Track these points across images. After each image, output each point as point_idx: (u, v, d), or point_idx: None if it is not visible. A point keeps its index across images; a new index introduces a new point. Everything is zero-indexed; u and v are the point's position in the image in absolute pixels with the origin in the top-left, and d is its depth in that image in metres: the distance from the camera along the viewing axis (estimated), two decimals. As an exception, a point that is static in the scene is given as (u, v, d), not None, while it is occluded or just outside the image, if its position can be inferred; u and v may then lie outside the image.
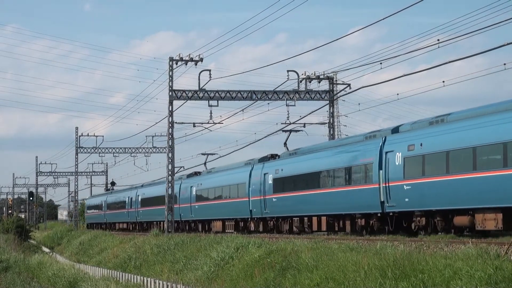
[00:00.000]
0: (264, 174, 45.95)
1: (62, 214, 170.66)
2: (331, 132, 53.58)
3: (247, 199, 47.78)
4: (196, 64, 51.05)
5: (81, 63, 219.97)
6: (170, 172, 52.56)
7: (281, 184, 44.13)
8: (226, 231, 51.17)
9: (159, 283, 27.84)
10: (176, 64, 51.68)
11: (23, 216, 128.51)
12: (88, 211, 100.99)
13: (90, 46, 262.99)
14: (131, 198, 75.81)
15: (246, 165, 50.06)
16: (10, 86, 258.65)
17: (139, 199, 73.02)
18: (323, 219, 39.46)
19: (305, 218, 41.42)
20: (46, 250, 72.67)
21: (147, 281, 29.60)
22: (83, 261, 52.07)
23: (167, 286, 26.87)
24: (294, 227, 43.17)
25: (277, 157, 47.49)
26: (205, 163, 60.50)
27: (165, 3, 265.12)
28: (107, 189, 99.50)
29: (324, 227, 39.84)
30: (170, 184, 52.64)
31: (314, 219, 40.47)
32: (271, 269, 23.51)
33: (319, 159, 40.11)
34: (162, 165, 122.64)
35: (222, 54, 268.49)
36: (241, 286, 24.00)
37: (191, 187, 57.50)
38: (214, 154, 61.68)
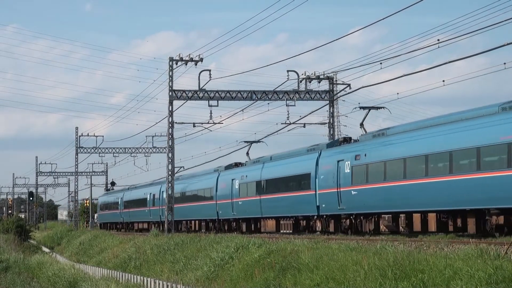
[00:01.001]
0: (338, 161, 38.09)
1: (62, 214, 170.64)
2: (331, 132, 53.57)
3: (313, 192, 40.22)
4: (196, 64, 51.09)
5: (81, 63, 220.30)
6: (170, 172, 52.56)
7: (364, 173, 35.91)
8: (281, 231, 44.97)
9: (159, 283, 27.85)
10: (176, 64, 51.70)
11: (23, 216, 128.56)
12: (101, 210, 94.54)
13: (91, 46, 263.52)
14: (154, 195, 68.47)
15: (309, 152, 42.60)
16: (11, 86, 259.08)
17: (164, 196, 64.30)
18: (431, 216, 32.00)
19: (402, 215, 33.53)
20: (46, 250, 72.70)
21: (147, 281, 29.61)
22: (83, 261, 52.09)
23: (167, 286, 26.87)
24: (382, 227, 35.75)
25: (351, 141, 39.87)
26: (247, 153, 54.22)
27: (166, 3, 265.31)
28: (107, 189, 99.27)
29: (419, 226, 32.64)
30: (170, 184, 52.65)
31: (416, 216, 32.75)
32: (271, 269, 23.51)
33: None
34: (162, 165, 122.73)
35: (222, 54, 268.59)
36: (241, 286, 24.00)
37: (232, 180, 50.76)
38: (260, 141, 55.27)
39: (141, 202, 73.17)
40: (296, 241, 28.79)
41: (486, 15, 31.98)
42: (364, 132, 39.19)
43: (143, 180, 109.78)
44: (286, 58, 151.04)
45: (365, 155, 35.78)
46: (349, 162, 36.80)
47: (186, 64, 51.42)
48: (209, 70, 49.80)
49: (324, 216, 39.87)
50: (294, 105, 50.76)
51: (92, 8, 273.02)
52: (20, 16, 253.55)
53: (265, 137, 55.34)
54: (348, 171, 36.79)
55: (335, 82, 53.33)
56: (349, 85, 50.10)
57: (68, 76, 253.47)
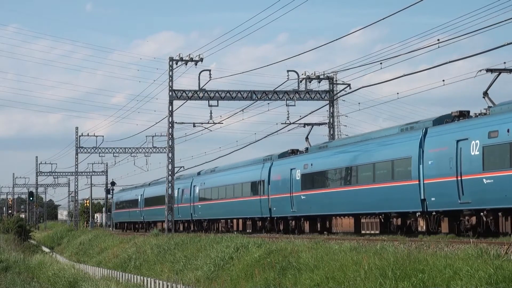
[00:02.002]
0: (457, 141, 29.63)
1: (62, 214, 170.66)
2: (331, 132, 53.58)
3: (416, 182, 32.20)
4: (196, 64, 51.07)
5: (82, 63, 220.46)
6: (170, 172, 52.55)
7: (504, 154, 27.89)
8: (363, 232, 36.91)
9: (159, 283, 27.85)
10: (176, 64, 51.68)
11: (23, 216, 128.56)
12: (118, 209, 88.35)
13: (92, 46, 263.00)
14: (183, 190, 61.96)
15: (402, 132, 34.90)
16: (11, 86, 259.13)
17: (197, 191, 59.27)
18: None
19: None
20: (46, 250, 72.69)
21: (147, 281, 29.61)
22: (83, 261, 52.09)
23: (167, 286, 26.87)
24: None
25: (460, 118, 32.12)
26: (307, 138, 47.55)
27: (167, 3, 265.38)
28: (107, 189, 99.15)
29: None
30: (170, 184, 52.64)
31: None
32: (271, 269, 23.50)
33: None
34: (162, 165, 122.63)
35: (223, 54, 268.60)
36: (241, 286, 23.99)
37: (291, 170, 43.69)
38: (322, 124, 50.70)
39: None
40: (296, 241, 28.79)
41: (486, 15, 31.99)
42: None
43: (143, 180, 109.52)
44: (286, 58, 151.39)
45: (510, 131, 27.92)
46: (477, 141, 29.07)
47: (186, 64, 51.41)
48: (209, 70, 49.84)
49: (434, 213, 32.25)
50: (294, 105, 50.79)
51: (93, 8, 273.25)
52: (21, 16, 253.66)
53: (265, 137, 55.39)
54: (477, 153, 29.15)
55: (335, 82, 53.34)
56: (349, 85, 50.13)
57: (68, 76, 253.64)
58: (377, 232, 35.75)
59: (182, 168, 61.63)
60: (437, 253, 20.02)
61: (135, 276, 32.44)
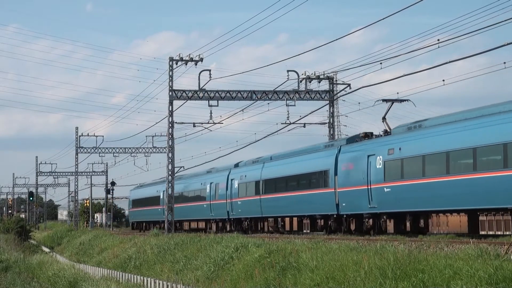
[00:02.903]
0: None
1: (62, 214, 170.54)
2: (331, 132, 53.60)
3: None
4: (196, 64, 51.11)
5: (82, 63, 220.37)
6: (170, 172, 52.55)
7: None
8: (482, 232, 29.87)
9: (159, 283, 27.84)
10: (176, 64, 51.71)
11: (23, 216, 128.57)
12: (135, 207, 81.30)
13: (92, 46, 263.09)
14: (217, 185, 55.77)
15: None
16: (11, 86, 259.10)
17: (236, 185, 52.53)
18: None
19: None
20: (46, 250, 72.68)
21: (147, 281, 29.60)
22: (83, 261, 52.06)
23: (167, 286, 26.86)
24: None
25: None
26: (384, 118, 38.97)
27: (167, 3, 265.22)
28: (107, 189, 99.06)
29: None
30: (170, 184, 52.64)
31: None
32: (271, 269, 23.50)
33: None
34: (162, 165, 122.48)
35: (223, 54, 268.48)
36: (241, 286, 23.99)
37: (368, 157, 36.51)
38: (406, 101, 39.77)
39: (197, 195, 60.33)
40: (296, 241, 28.80)
41: (486, 15, 31.97)
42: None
43: (142, 180, 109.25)
44: (286, 58, 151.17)
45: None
46: None
47: (186, 64, 51.45)
48: (209, 70, 49.88)
49: None
50: (294, 105, 50.86)
51: (93, 8, 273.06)
52: (21, 16, 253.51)
53: (265, 137, 55.38)
54: None
55: (335, 82, 53.37)
56: (349, 85, 50.18)
57: (68, 76, 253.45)
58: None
59: (182, 168, 61.66)
60: (437, 253, 20.03)
61: (135, 276, 32.43)
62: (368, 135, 38.78)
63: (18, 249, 61.38)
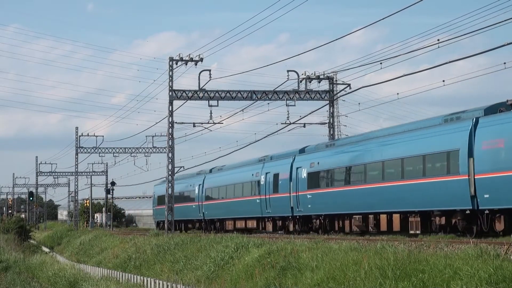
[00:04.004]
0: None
1: (62, 214, 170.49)
2: (331, 132, 53.60)
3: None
4: (196, 64, 51.10)
5: (82, 63, 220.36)
6: (170, 172, 52.54)
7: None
8: None
9: (159, 283, 27.83)
10: (176, 64, 51.70)
11: (23, 216, 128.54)
12: (160, 204, 68.24)
13: (92, 46, 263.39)
14: (275, 175, 46.92)
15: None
16: (12, 86, 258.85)
17: (303, 175, 43.55)
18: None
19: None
20: (46, 250, 72.66)
21: (147, 281, 29.60)
22: (83, 261, 52.04)
23: (167, 286, 26.86)
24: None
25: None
26: None
27: (168, 3, 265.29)
28: (107, 189, 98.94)
29: None
30: (170, 184, 52.63)
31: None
32: (271, 269, 23.51)
33: None
34: (162, 165, 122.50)
35: (224, 54, 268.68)
36: (241, 286, 23.99)
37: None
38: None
39: (245, 189, 51.68)
40: (296, 241, 28.81)
41: (486, 15, 31.93)
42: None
43: (142, 180, 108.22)
44: (286, 58, 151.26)
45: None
46: None
47: (186, 64, 51.44)
48: (209, 70, 49.88)
49: None
50: (294, 105, 50.87)
51: (94, 8, 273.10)
52: (22, 16, 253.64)
53: (265, 137, 55.29)
54: None
55: (335, 82, 53.37)
56: (349, 85, 50.20)
57: (69, 76, 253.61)
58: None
59: (182, 168, 61.66)
60: (437, 253, 20.03)
61: (135, 276, 32.42)
62: None
63: (18, 249, 61.40)
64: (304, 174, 43.24)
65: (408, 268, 17.66)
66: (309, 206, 42.69)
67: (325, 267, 20.76)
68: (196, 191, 60.70)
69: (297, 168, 44.19)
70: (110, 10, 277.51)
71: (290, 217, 45.28)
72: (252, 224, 50.79)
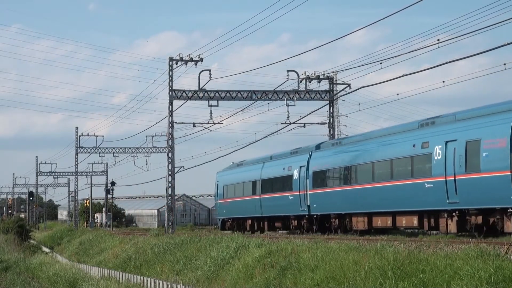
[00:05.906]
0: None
1: (62, 214, 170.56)
2: (331, 132, 53.59)
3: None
4: (196, 64, 51.07)
5: (84, 63, 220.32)
6: (170, 172, 52.52)
7: None
8: None
9: (159, 283, 27.83)
10: (176, 64, 51.68)
11: (23, 216, 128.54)
12: (224, 197, 55.74)
13: (94, 47, 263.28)
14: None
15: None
16: (13, 86, 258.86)
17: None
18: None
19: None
20: (46, 250, 72.65)
21: (147, 281, 29.59)
22: (83, 261, 52.05)
23: (167, 286, 26.85)
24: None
25: None
26: None
27: (169, 3, 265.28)
28: (107, 189, 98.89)
29: None
30: (170, 184, 52.62)
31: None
32: (271, 269, 23.50)
33: None
34: (162, 165, 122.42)
35: (225, 54, 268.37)
36: (241, 286, 23.99)
37: None
38: None
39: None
40: (296, 241, 28.81)
41: (487, 15, 31.92)
42: None
43: (143, 180, 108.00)
44: (287, 58, 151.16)
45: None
46: None
47: (186, 64, 51.41)
48: (209, 70, 49.86)
49: None
50: (294, 105, 50.83)
51: (96, 8, 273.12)
52: (23, 16, 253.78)
53: (265, 137, 55.20)
54: None
55: (335, 82, 53.36)
56: (349, 85, 50.16)
57: (70, 76, 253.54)
58: None
59: (182, 168, 61.64)
60: (437, 253, 20.02)
61: (135, 276, 32.42)
62: None
63: (18, 249, 61.36)
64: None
65: (408, 268, 17.66)
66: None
67: (325, 267, 20.76)
68: (295, 176, 44.27)
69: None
70: (111, 10, 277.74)
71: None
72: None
